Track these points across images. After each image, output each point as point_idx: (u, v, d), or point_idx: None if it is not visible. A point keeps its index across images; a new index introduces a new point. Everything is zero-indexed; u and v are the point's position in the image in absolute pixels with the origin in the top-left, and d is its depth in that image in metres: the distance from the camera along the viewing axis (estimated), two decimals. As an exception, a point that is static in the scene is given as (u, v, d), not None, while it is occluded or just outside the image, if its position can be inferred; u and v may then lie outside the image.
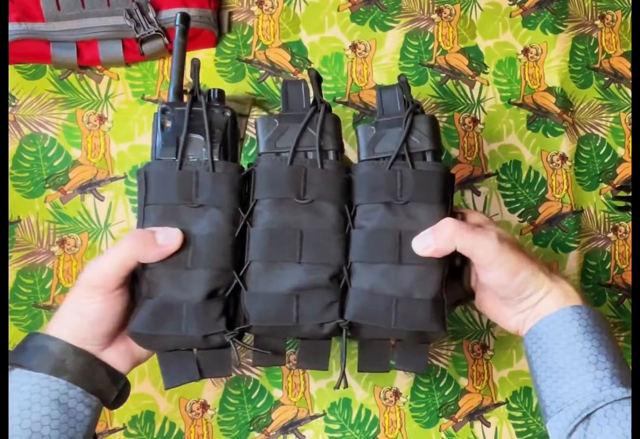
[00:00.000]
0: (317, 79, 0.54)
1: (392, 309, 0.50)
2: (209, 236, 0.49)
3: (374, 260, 0.50)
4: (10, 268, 0.73)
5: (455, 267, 0.56)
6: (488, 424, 0.77)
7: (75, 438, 0.49)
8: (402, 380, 0.76)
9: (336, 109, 0.79)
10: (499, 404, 0.77)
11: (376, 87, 0.79)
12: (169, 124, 0.51)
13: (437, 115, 0.80)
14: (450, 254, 0.50)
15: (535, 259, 0.54)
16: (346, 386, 0.50)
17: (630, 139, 0.84)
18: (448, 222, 0.50)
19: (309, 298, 0.50)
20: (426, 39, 0.82)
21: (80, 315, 0.49)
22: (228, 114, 0.53)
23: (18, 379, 0.48)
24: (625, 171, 0.84)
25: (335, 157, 0.52)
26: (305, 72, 0.79)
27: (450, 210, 0.53)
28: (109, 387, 0.51)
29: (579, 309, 0.52)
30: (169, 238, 0.49)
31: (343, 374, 0.50)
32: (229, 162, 0.51)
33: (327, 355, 0.53)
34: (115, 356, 0.52)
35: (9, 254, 0.73)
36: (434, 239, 0.50)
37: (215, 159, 0.50)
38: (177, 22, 0.57)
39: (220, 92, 0.55)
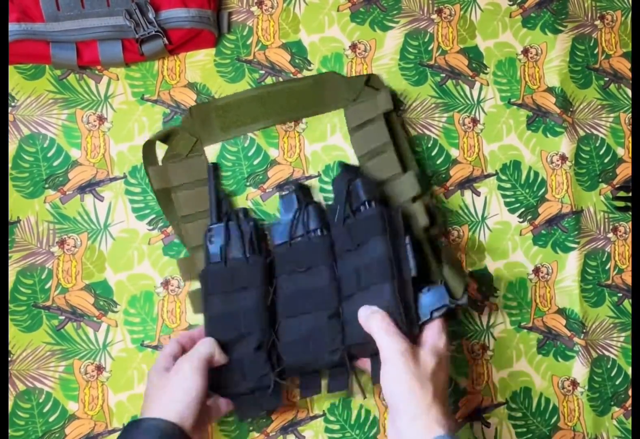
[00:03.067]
0: (300, 188, 0.74)
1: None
2: (255, 308, 0.69)
3: (347, 294, 0.67)
4: (10, 268, 0.73)
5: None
6: (488, 425, 0.77)
7: None
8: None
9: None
10: (498, 404, 0.77)
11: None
12: (214, 238, 0.71)
13: (437, 115, 0.80)
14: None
15: (434, 388, 0.59)
16: (365, 396, 0.69)
17: (630, 139, 0.84)
18: (372, 315, 0.63)
19: (318, 336, 0.67)
20: (426, 39, 0.82)
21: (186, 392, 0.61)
22: (252, 223, 0.72)
23: None
24: (625, 171, 0.84)
25: (320, 232, 0.70)
26: (304, 72, 0.79)
27: (393, 234, 0.67)
28: None
29: None
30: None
31: (361, 388, 0.69)
32: (258, 256, 0.71)
33: (346, 378, 0.68)
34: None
35: (9, 255, 0.73)
36: (364, 319, 0.63)
37: (248, 254, 0.70)
38: (210, 170, 0.74)
39: (245, 210, 0.74)
